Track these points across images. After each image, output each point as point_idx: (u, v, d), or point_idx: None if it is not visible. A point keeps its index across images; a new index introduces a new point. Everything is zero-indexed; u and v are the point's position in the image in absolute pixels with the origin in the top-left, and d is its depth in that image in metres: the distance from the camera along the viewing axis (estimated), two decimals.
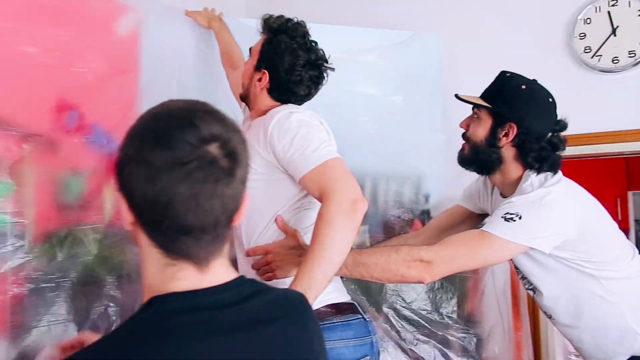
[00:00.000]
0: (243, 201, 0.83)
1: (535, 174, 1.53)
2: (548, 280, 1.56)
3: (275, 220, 1.45)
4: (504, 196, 1.63)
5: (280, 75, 1.51)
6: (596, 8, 2.33)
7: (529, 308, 2.27)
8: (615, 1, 2.30)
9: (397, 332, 2.05)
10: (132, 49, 1.89)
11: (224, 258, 0.85)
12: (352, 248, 1.36)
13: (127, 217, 0.79)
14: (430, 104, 2.34)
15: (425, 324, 2.08)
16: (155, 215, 0.76)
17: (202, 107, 0.80)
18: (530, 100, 1.54)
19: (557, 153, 1.55)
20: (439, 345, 2.06)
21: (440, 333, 2.07)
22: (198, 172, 0.74)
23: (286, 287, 1.25)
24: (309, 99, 1.59)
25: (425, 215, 2.22)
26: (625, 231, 1.80)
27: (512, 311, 2.15)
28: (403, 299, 2.08)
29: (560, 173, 1.56)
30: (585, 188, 1.60)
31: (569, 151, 2.24)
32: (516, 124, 1.53)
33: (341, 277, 1.57)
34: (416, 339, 2.05)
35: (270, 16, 1.57)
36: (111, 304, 1.60)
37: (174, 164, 0.73)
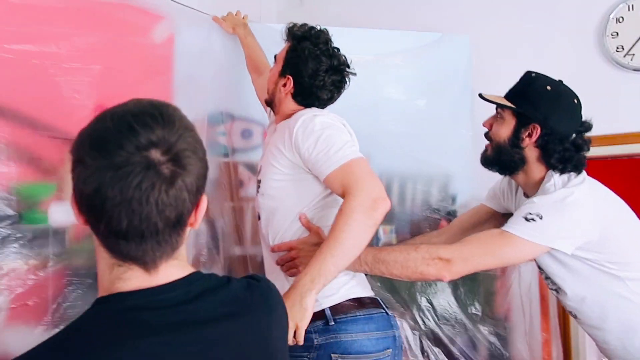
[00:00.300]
0: (193, 206, 0.80)
1: (558, 174, 1.53)
2: (572, 280, 1.55)
3: (299, 218, 1.51)
4: (527, 196, 1.63)
5: (304, 81, 1.57)
6: (629, 6, 2.29)
7: (559, 308, 2.25)
8: None
9: (424, 330, 2.07)
10: (167, 54, 1.97)
11: (178, 260, 0.83)
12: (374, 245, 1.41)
13: (77, 215, 0.79)
14: (459, 105, 2.35)
15: (452, 323, 2.09)
16: (92, 218, 0.77)
17: (152, 111, 0.78)
18: (555, 102, 1.53)
19: (581, 154, 1.54)
20: (466, 344, 2.07)
21: (466, 332, 2.08)
22: (132, 177, 0.73)
23: None
24: (332, 103, 1.64)
25: (451, 216, 2.22)
26: None
27: (540, 311, 2.14)
28: (430, 298, 2.10)
29: (584, 173, 1.55)
30: (618, 189, 1.58)
31: (601, 152, 2.23)
32: (540, 125, 1.52)
33: (365, 274, 1.61)
34: (442, 338, 2.07)
35: (294, 24, 1.63)
36: None
37: (108, 167, 0.73)
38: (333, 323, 1.40)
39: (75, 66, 1.62)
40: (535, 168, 1.57)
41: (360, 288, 1.51)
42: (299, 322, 1.30)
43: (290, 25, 1.64)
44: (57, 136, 1.55)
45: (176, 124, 0.78)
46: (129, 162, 0.73)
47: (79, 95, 1.63)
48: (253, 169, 1.98)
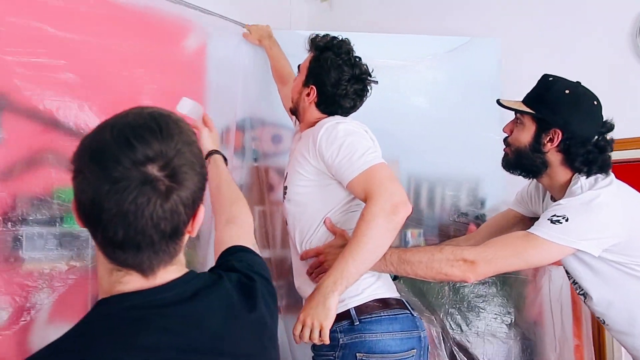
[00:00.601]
0: (190, 218, 0.82)
1: (585, 176, 1.52)
2: (598, 284, 1.54)
3: (325, 222, 1.55)
4: (554, 200, 1.62)
5: (327, 90, 1.62)
6: None
7: (592, 313, 2.21)
8: None
9: (452, 335, 2.07)
10: (199, 63, 2.04)
11: (176, 265, 0.86)
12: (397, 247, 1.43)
13: (78, 220, 0.81)
14: (488, 108, 2.33)
15: (480, 328, 2.08)
16: (90, 227, 0.79)
17: (151, 124, 0.79)
18: (574, 105, 1.52)
19: (605, 154, 1.52)
20: (495, 349, 2.06)
21: (496, 338, 2.07)
22: (128, 192, 0.74)
23: None
24: (355, 111, 1.68)
25: (480, 220, 2.22)
26: None
27: (572, 316, 2.11)
28: (458, 303, 2.10)
29: (612, 175, 1.53)
30: None
31: (636, 154, 2.19)
32: (561, 129, 1.51)
33: (394, 278, 1.63)
34: (470, 343, 2.06)
35: (317, 35, 1.68)
36: None
37: (105, 181, 0.74)
38: (358, 323, 1.43)
39: (113, 76, 1.69)
40: (560, 171, 1.57)
41: (385, 289, 1.53)
42: (322, 321, 1.35)
43: (313, 36, 1.69)
44: None
45: (175, 138, 0.79)
46: (126, 176, 0.74)
47: (118, 104, 1.70)
48: (283, 173, 2.02)
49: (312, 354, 1.53)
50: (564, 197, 1.53)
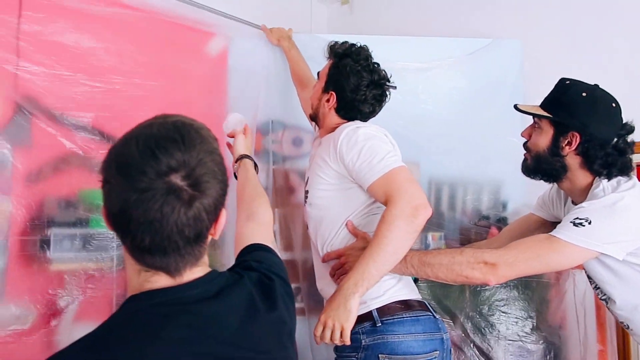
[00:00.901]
0: (212, 222, 0.87)
1: (606, 179, 1.50)
2: (622, 288, 1.52)
3: (346, 224, 1.56)
4: (575, 204, 1.60)
5: (346, 96, 1.63)
6: None
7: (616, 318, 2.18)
8: None
9: (473, 340, 2.06)
10: (221, 67, 2.07)
11: (201, 266, 0.90)
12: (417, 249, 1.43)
13: (107, 224, 0.85)
14: (510, 111, 2.31)
15: (502, 333, 2.07)
16: (119, 233, 0.84)
17: (174, 135, 0.83)
18: (592, 108, 1.50)
19: (626, 157, 1.51)
20: (517, 353, 2.04)
21: (517, 342, 2.05)
22: (154, 202, 0.79)
23: None
24: (374, 116, 1.69)
25: (502, 223, 2.20)
26: None
27: (595, 321, 2.08)
28: (479, 306, 2.09)
29: (634, 178, 1.51)
30: None
31: None
32: (578, 132, 1.50)
33: (415, 281, 1.64)
34: (491, 347, 2.05)
35: (336, 42, 1.70)
36: None
37: (132, 191, 0.79)
38: (380, 324, 1.44)
39: (137, 82, 1.73)
40: (580, 175, 1.55)
41: (407, 291, 1.54)
42: (343, 323, 1.36)
43: (332, 43, 1.71)
44: None
45: (196, 148, 0.83)
46: (151, 187, 0.79)
47: (142, 109, 1.74)
48: (303, 176, 2.04)
49: (335, 355, 1.54)
50: (586, 200, 1.51)
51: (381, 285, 1.45)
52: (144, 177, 0.79)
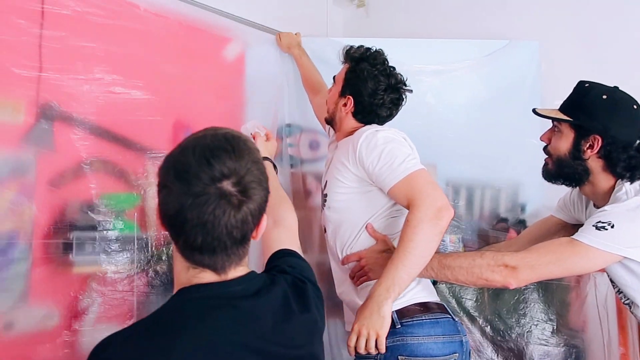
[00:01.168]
0: (255, 226, 0.96)
1: (629, 182, 1.48)
2: None
3: (366, 227, 1.57)
4: (597, 207, 1.58)
5: (364, 100, 1.64)
6: None
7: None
8: None
9: (492, 343, 2.05)
10: (239, 72, 2.09)
11: (243, 266, 1.00)
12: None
13: (160, 225, 0.97)
14: (527, 112, 2.30)
15: (522, 336, 2.06)
16: (173, 233, 0.93)
17: (226, 145, 0.92)
18: (613, 110, 1.49)
19: None
20: (537, 358, 2.03)
21: (537, 345, 2.04)
22: (208, 205, 0.88)
23: None
24: (390, 120, 1.70)
25: (520, 225, 2.19)
26: None
27: (617, 324, 2.06)
28: (498, 309, 2.07)
29: None
30: None
31: None
32: (600, 135, 1.48)
33: (434, 283, 1.63)
34: (511, 349, 2.04)
35: (351, 47, 1.71)
36: None
37: (188, 195, 0.88)
38: (400, 326, 1.43)
39: (156, 88, 1.76)
40: (602, 178, 1.53)
41: (426, 293, 1.54)
42: (378, 330, 1.35)
43: (347, 47, 1.72)
44: (140, 151, 1.69)
45: (245, 158, 0.93)
46: (205, 192, 0.88)
47: (161, 114, 1.77)
48: (320, 179, 2.05)
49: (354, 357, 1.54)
50: (609, 204, 1.49)
51: None
52: (199, 183, 0.88)
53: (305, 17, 2.64)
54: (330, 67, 1.92)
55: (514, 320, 2.07)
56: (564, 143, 1.55)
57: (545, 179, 1.63)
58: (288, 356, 1.00)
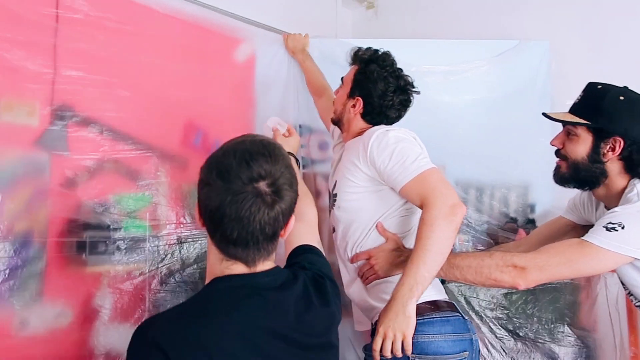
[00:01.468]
0: (284, 224, 1.07)
1: None
2: None
3: (376, 226, 1.58)
4: (608, 208, 1.57)
5: (373, 101, 1.65)
6: None
7: None
8: None
9: (501, 342, 2.05)
10: (248, 74, 2.11)
11: (270, 261, 1.11)
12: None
13: (198, 220, 1.08)
14: (537, 112, 2.29)
15: (531, 335, 2.05)
16: (212, 226, 1.04)
17: (263, 150, 1.04)
18: (632, 111, 1.48)
19: None
20: (544, 356, 2.02)
21: (546, 344, 2.03)
22: (245, 202, 0.99)
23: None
24: (398, 121, 1.71)
25: (530, 225, 2.18)
26: None
27: (627, 324, 2.04)
28: (507, 308, 2.07)
29: None
30: None
31: None
32: (622, 137, 1.47)
33: (443, 282, 1.64)
34: (519, 349, 2.04)
35: (359, 48, 1.72)
36: None
37: (228, 192, 0.99)
38: None
39: (169, 89, 1.78)
40: (618, 180, 1.52)
41: (435, 291, 1.54)
42: (405, 330, 1.34)
43: (355, 49, 1.73)
44: (152, 153, 1.71)
45: (279, 162, 1.04)
46: (244, 190, 1.00)
47: (174, 116, 1.79)
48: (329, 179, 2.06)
49: (364, 355, 1.55)
50: (620, 204, 1.48)
51: None
52: (238, 182, 0.99)
53: (315, 18, 2.66)
54: (340, 68, 1.94)
55: (522, 319, 2.07)
56: (582, 147, 1.53)
57: (557, 182, 1.62)
58: (308, 344, 1.10)
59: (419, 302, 1.45)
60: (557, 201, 2.02)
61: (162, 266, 1.69)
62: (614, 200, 1.55)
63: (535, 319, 2.08)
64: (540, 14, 2.49)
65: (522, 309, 2.09)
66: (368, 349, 1.49)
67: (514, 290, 2.05)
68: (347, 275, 1.66)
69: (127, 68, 1.68)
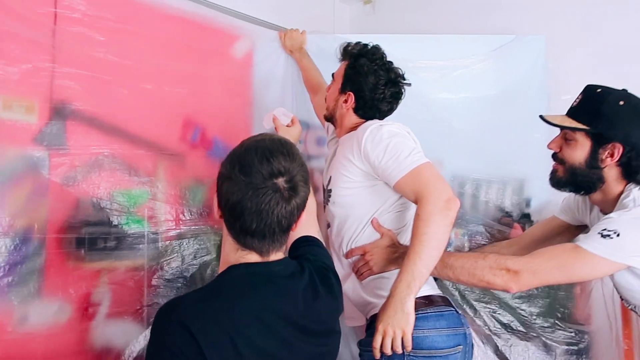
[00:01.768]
0: (297, 219, 1.14)
1: (638, 188, 1.46)
2: None
3: (371, 222, 1.58)
4: (604, 213, 1.56)
5: (365, 95, 1.65)
6: None
7: None
8: None
9: (495, 336, 2.06)
10: (246, 71, 2.11)
11: (281, 253, 1.18)
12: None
13: (216, 211, 1.15)
14: (534, 108, 2.31)
15: (525, 329, 2.07)
16: (231, 218, 1.10)
17: (282, 149, 1.11)
18: (633, 116, 1.45)
19: None
20: (538, 350, 2.04)
21: (542, 337, 2.05)
22: (265, 196, 1.06)
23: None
24: (390, 114, 1.71)
25: (525, 219, 2.20)
26: None
27: (621, 317, 2.06)
28: (501, 303, 2.09)
29: None
30: None
31: None
32: (621, 143, 1.45)
33: (435, 280, 1.65)
34: (515, 343, 2.05)
35: (348, 43, 1.72)
36: None
37: (250, 187, 1.06)
38: None
39: (166, 86, 1.79)
40: (615, 186, 1.51)
41: (429, 287, 1.55)
42: (404, 327, 1.35)
43: (344, 44, 1.73)
44: (151, 149, 1.72)
45: (296, 161, 1.12)
46: (264, 185, 1.06)
47: (172, 112, 1.80)
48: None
49: (359, 350, 1.56)
50: (615, 210, 1.47)
51: None
52: (259, 177, 1.06)
53: (312, 14, 2.66)
54: (337, 64, 1.94)
55: (517, 312, 2.09)
56: (580, 152, 1.50)
57: (553, 186, 1.60)
58: (315, 330, 1.17)
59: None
60: (553, 196, 2.01)
61: (161, 262, 1.70)
62: (609, 205, 1.54)
63: (529, 312, 2.09)
64: (537, 8, 2.50)
65: (516, 303, 2.10)
66: (363, 344, 1.51)
67: None
68: (342, 270, 1.66)
69: (124, 65, 1.68)
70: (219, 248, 1.82)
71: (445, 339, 1.45)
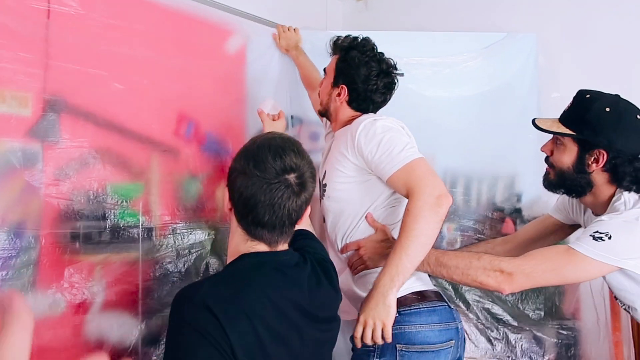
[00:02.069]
0: (304, 212, 1.22)
1: (628, 191, 1.48)
2: None
3: (366, 217, 1.59)
4: (596, 214, 1.58)
5: (358, 87, 1.66)
6: None
7: None
8: None
9: (487, 329, 2.08)
10: (239, 66, 2.11)
11: (286, 244, 1.25)
12: (437, 248, 1.46)
13: (227, 204, 1.22)
14: (525, 105, 2.34)
15: (515, 323, 2.09)
16: (244, 211, 1.17)
17: (292, 147, 1.19)
18: (617, 123, 1.46)
19: None
20: (529, 342, 2.06)
21: (532, 330, 2.08)
22: (278, 190, 1.14)
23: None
24: (384, 105, 1.72)
25: (516, 214, 2.22)
26: None
27: (610, 310, 2.09)
28: (492, 296, 2.11)
29: None
30: None
31: None
32: (605, 150, 1.47)
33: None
34: (505, 336, 2.07)
35: (338, 37, 1.73)
36: None
37: (264, 181, 1.14)
38: (397, 315, 1.44)
39: (160, 81, 1.79)
40: (604, 189, 1.53)
41: (422, 282, 1.56)
42: (384, 319, 1.37)
43: (334, 38, 1.74)
44: (144, 142, 1.72)
45: (305, 158, 1.20)
46: (277, 180, 1.14)
47: (166, 107, 1.80)
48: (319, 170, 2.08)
49: (351, 345, 1.56)
50: (607, 213, 1.49)
51: None
52: (273, 172, 1.14)
53: (305, 10, 2.66)
54: (330, 60, 1.96)
55: (509, 307, 2.11)
56: (568, 157, 1.53)
57: (546, 188, 1.63)
58: (320, 316, 1.24)
59: (406, 293, 1.49)
60: (544, 191, 2.04)
61: (155, 256, 1.70)
62: (601, 207, 1.56)
63: (521, 306, 2.12)
64: (528, 6, 2.52)
65: (508, 297, 2.12)
66: (353, 339, 1.53)
67: None
68: (337, 265, 1.66)
69: (118, 60, 1.68)
70: (213, 242, 1.83)
71: (437, 334, 1.46)
